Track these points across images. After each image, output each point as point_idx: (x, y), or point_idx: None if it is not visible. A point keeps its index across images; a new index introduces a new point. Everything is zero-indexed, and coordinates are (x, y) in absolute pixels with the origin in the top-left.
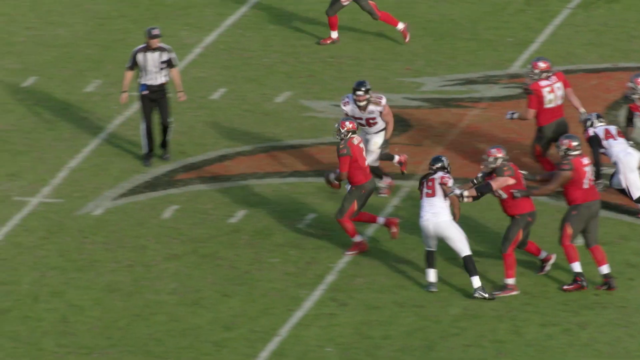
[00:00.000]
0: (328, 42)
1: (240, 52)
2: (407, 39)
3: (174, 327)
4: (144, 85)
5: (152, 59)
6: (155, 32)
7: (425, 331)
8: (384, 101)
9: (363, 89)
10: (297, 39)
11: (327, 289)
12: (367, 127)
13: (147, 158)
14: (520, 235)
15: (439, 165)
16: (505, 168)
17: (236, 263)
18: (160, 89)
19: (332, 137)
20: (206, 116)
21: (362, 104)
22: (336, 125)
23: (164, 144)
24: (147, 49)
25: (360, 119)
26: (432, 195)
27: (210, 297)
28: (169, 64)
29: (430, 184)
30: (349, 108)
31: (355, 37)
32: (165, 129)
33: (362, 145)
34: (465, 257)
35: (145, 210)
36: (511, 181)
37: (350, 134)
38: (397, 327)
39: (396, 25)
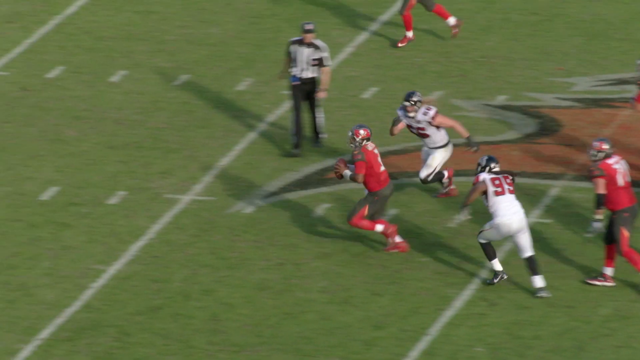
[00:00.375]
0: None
1: (392, 51)
2: (410, 38)
3: (323, 325)
4: (295, 76)
5: (303, 53)
6: (308, 27)
7: (576, 332)
8: (432, 112)
9: (412, 100)
10: (448, 39)
11: (477, 288)
12: (424, 139)
13: (294, 148)
14: (625, 231)
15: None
16: (592, 168)
17: (386, 262)
18: (311, 82)
19: (484, 136)
20: (357, 115)
21: (412, 114)
22: (350, 133)
23: (316, 135)
24: (302, 42)
25: (411, 126)
26: (513, 192)
27: (360, 296)
28: (320, 62)
29: (509, 180)
30: (400, 113)
31: (507, 36)
32: (314, 121)
33: (376, 151)
34: (532, 255)
35: (296, 209)
36: (602, 181)
37: (364, 141)
38: (547, 327)
39: (409, 29)
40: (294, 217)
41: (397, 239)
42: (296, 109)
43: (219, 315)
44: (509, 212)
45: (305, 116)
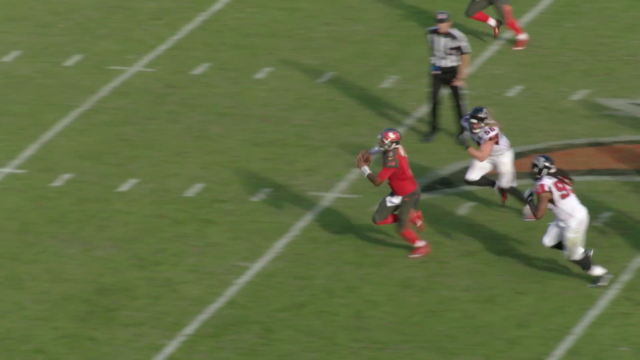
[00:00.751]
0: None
1: (537, 49)
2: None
3: (467, 323)
4: (435, 65)
5: (440, 43)
6: (440, 16)
7: None
8: (492, 134)
9: (478, 116)
10: (594, 37)
11: (622, 287)
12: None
13: (427, 135)
14: None
15: None
16: None
17: (531, 261)
18: (451, 71)
19: (630, 135)
20: (501, 113)
21: (476, 131)
22: (379, 135)
23: (461, 130)
24: (437, 32)
25: (473, 139)
26: (573, 191)
27: (504, 295)
28: (459, 50)
29: (568, 180)
30: (465, 124)
31: None
32: (459, 112)
33: (406, 155)
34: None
35: (441, 207)
36: None
37: (394, 144)
38: None
39: (520, 31)
40: (438, 215)
41: (421, 243)
42: (433, 97)
43: (362, 313)
44: (581, 207)
45: (443, 107)
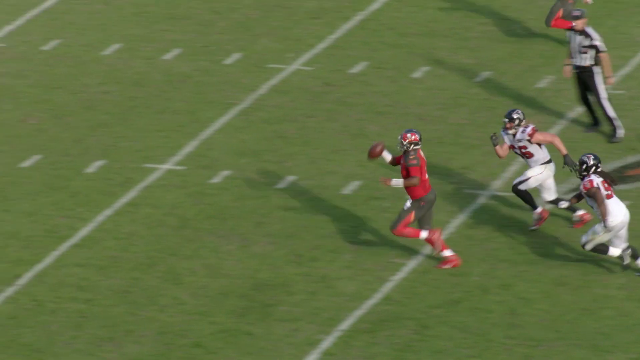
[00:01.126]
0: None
1: None
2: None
3: (622, 321)
4: (573, 65)
5: (575, 41)
6: (575, 13)
7: None
8: (529, 129)
9: (510, 117)
10: None
11: None
12: (526, 159)
13: (589, 126)
14: None
15: None
16: None
17: None
18: (586, 70)
19: None
20: None
21: (510, 132)
22: (399, 137)
23: (614, 131)
24: (574, 30)
25: (514, 147)
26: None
27: None
28: (594, 49)
29: (612, 183)
30: (504, 134)
31: None
32: (605, 113)
33: (424, 158)
34: (629, 245)
35: None
36: None
37: (412, 145)
38: None
39: (570, 26)
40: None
41: (447, 253)
42: (580, 97)
43: (516, 310)
44: (621, 212)
45: (594, 104)
